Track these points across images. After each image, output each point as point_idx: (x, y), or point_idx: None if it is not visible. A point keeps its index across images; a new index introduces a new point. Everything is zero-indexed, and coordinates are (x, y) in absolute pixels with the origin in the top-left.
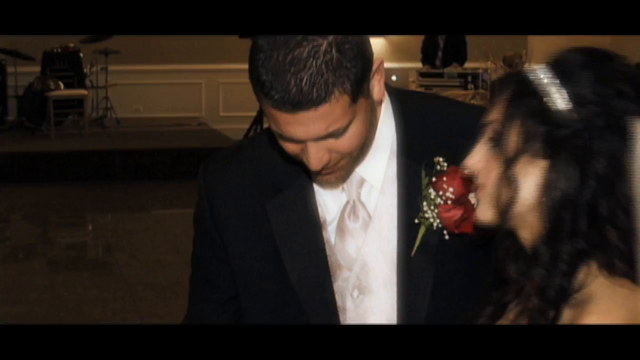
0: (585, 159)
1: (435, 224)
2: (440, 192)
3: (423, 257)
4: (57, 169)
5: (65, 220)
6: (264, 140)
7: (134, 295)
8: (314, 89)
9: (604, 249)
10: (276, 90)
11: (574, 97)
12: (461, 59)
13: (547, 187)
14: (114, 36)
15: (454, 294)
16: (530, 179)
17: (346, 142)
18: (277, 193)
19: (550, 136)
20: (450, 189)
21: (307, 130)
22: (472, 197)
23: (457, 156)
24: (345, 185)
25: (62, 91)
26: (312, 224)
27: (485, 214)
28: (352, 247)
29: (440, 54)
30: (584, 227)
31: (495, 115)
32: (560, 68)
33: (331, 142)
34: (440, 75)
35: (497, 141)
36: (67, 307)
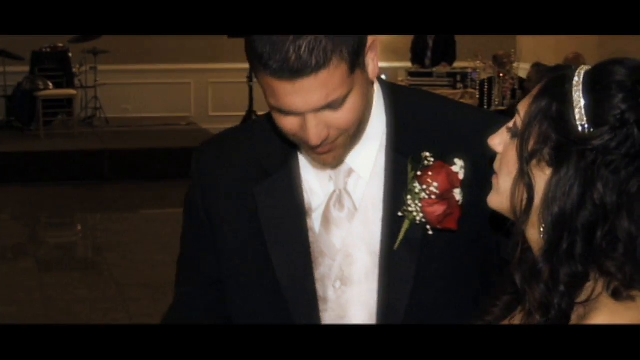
0: (588, 181)
1: (418, 218)
2: (425, 186)
3: (406, 251)
4: (46, 168)
5: (55, 220)
6: (257, 126)
7: (123, 295)
8: (313, 56)
9: (605, 276)
10: (275, 59)
11: (592, 116)
12: (450, 58)
13: (548, 198)
14: (103, 36)
15: (435, 290)
16: (539, 183)
17: (344, 115)
18: (265, 177)
19: (559, 146)
20: (435, 184)
21: (307, 100)
22: (456, 194)
23: (445, 153)
24: (333, 174)
25: (51, 91)
26: (297, 211)
27: (494, 201)
28: (336, 237)
29: (429, 53)
30: (580, 250)
31: (522, 103)
32: (596, 80)
33: (330, 115)
34: (429, 75)
35: (515, 131)
36: (56, 307)
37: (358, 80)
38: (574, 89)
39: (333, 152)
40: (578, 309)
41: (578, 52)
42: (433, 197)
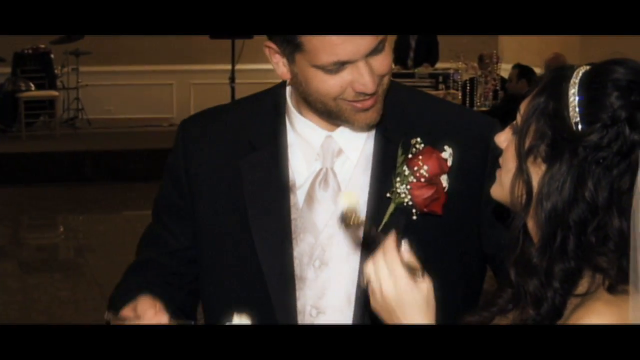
0: (580, 178)
1: (405, 201)
2: (416, 168)
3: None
4: (28, 170)
5: (37, 222)
6: (244, 103)
7: (105, 297)
8: None
9: (598, 272)
10: None
11: (586, 114)
12: (432, 59)
13: (542, 194)
14: (85, 37)
15: None
16: (536, 179)
17: (386, 59)
18: (251, 151)
19: (555, 143)
20: (425, 167)
21: (360, 44)
22: (443, 180)
23: (433, 141)
24: (321, 152)
25: (33, 92)
26: (280, 185)
27: (497, 192)
28: (319, 215)
29: (411, 54)
30: (572, 246)
31: (524, 102)
32: (594, 79)
33: (375, 61)
34: (412, 76)
35: (516, 127)
36: (38, 308)
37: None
38: (571, 87)
39: (376, 105)
40: (572, 300)
41: (558, 53)
42: (422, 180)
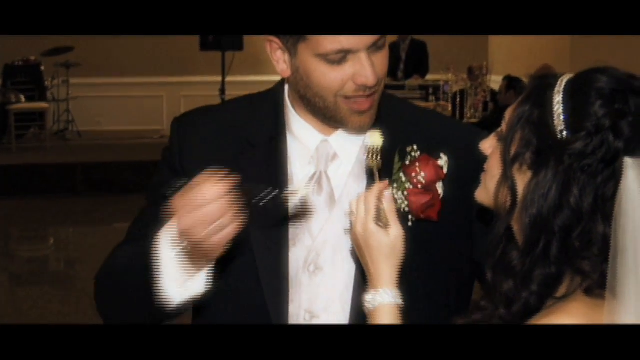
0: (565, 185)
1: (402, 207)
2: (413, 175)
3: None
4: (19, 182)
5: (27, 234)
6: (243, 101)
7: (96, 309)
8: None
9: (579, 275)
10: None
11: (570, 122)
12: (423, 71)
13: (526, 200)
14: (75, 49)
15: (408, 284)
16: (521, 186)
17: (384, 56)
18: (249, 149)
19: (540, 151)
20: (423, 174)
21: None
22: (439, 187)
23: (429, 150)
24: (315, 156)
25: (24, 104)
26: (279, 185)
27: (482, 196)
28: (314, 220)
29: (402, 66)
30: (555, 252)
31: (509, 109)
32: (577, 87)
33: (375, 57)
34: (402, 88)
35: (501, 135)
36: (29, 321)
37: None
38: (555, 95)
39: (371, 111)
40: (550, 301)
41: (547, 64)
42: (419, 186)
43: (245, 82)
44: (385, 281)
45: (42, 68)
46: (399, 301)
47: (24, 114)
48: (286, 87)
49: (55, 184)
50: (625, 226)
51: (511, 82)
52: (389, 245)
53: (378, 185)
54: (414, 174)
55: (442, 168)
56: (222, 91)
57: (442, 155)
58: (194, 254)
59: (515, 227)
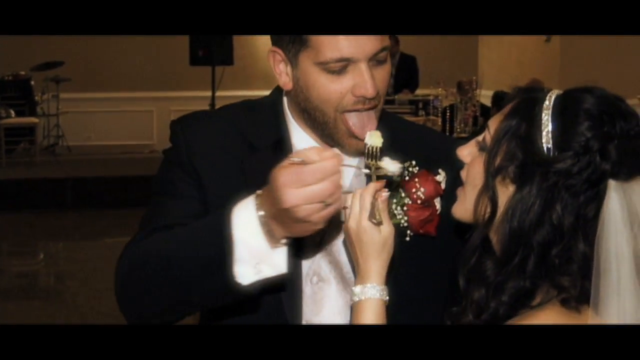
0: (548, 202)
1: (402, 222)
2: (414, 190)
3: None
4: (8, 197)
5: (16, 249)
6: (239, 107)
7: (86, 323)
8: None
9: (558, 289)
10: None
11: (558, 140)
12: (412, 86)
13: (508, 214)
14: (65, 63)
15: (406, 298)
16: (502, 198)
17: (385, 74)
18: (253, 153)
19: (524, 165)
20: (422, 189)
21: (364, 43)
22: (437, 202)
23: (427, 166)
24: None
25: (13, 119)
26: None
27: (459, 210)
28: (314, 235)
29: (391, 81)
30: (532, 266)
31: (494, 119)
32: (566, 106)
33: (376, 71)
34: (392, 102)
35: (484, 146)
36: None
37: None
38: (544, 112)
39: (370, 123)
40: (523, 310)
41: (536, 78)
42: (419, 202)
43: (236, 97)
44: (374, 276)
45: (32, 83)
46: (385, 297)
47: (14, 129)
48: (285, 98)
49: (45, 199)
50: (608, 248)
51: (495, 98)
52: (380, 242)
53: (374, 184)
54: (413, 190)
55: (440, 184)
56: (212, 106)
57: (440, 171)
58: (282, 231)
59: (494, 238)
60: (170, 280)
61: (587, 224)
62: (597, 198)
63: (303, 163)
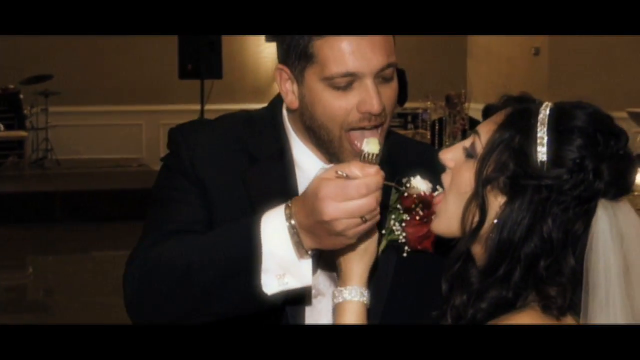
0: (539, 215)
1: (400, 238)
2: (413, 206)
3: (381, 270)
4: None
5: (5, 263)
6: (237, 117)
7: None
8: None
9: (544, 299)
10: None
11: (553, 155)
12: (402, 99)
13: (498, 225)
14: (54, 77)
15: (405, 308)
16: (491, 208)
17: (392, 91)
18: (254, 162)
19: (515, 177)
20: (421, 205)
21: (370, 58)
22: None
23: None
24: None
25: (2, 133)
26: (288, 197)
27: (442, 225)
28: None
29: None
30: (517, 277)
31: (484, 127)
32: (559, 121)
33: (382, 89)
34: None
35: (472, 153)
36: None
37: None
38: (539, 125)
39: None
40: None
41: (524, 92)
42: (417, 218)
43: (224, 110)
44: (355, 279)
45: (21, 96)
46: (366, 300)
47: (3, 143)
48: (284, 111)
49: (34, 213)
50: (597, 264)
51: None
52: (363, 246)
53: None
54: (412, 206)
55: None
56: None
57: (438, 187)
58: (312, 242)
59: (477, 247)
60: (190, 287)
61: (576, 239)
62: (587, 215)
63: (347, 177)
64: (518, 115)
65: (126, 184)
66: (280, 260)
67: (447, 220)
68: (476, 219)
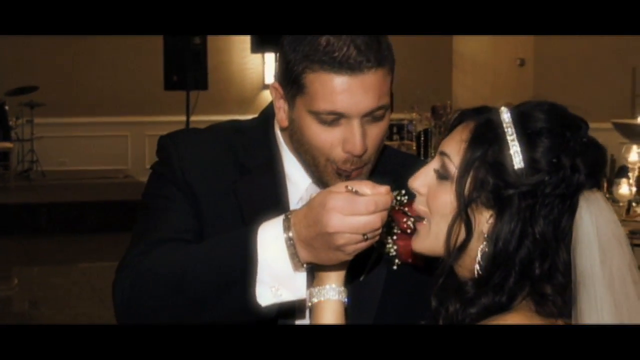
0: (527, 221)
1: (391, 252)
2: (404, 219)
3: (372, 283)
4: None
5: None
6: (227, 127)
7: None
8: (373, 52)
9: (540, 298)
10: (339, 49)
11: (529, 161)
12: None
13: (490, 238)
14: (39, 88)
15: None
16: (478, 224)
17: (381, 130)
18: (244, 172)
19: (498, 190)
20: (412, 218)
21: (360, 100)
22: None
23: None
24: (306, 195)
25: None
26: (279, 208)
27: (426, 245)
28: None
29: None
30: (511, 283)
31: (450, 146)
32: (524, 125)
33: (370, 128)
34: None
35: (444, 174)
36: None
37: (389, 107)
38: (507, 134)
39: (358, 177)
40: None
41: (509, 103)
42: (408, 231)
43: (210, 121)
44: (332, 277)
45: (7, 108)
46: (344, 299)
47: None
48: (276, 122)
49: (19, 224)
50: (582, 255)
51: None
52: None
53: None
54: (404, 219)
55: None
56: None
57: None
58: (308, 256)
59: (466, 260)
60: (182, 297)
61: (565, 234)
62: (571, 209)
63: (356, 193)
64: (483, 128)
65: (112, 196)
66: (275, 272)
67: (431, 241)
68: (462, 237)
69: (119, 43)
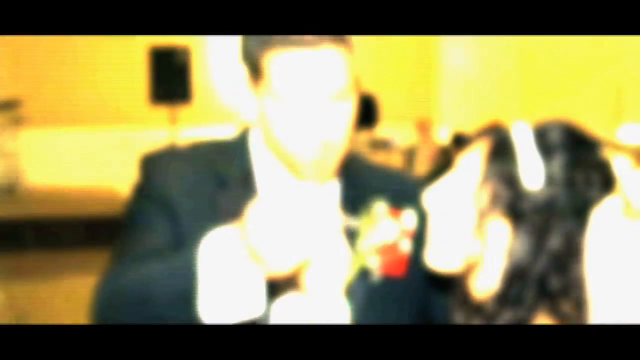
0: (542, 235)
1: (369, 264)
2: (392, 231)
3: (351, 298)
4: None
5: None
6: (208, 144)
7: None
8: (331, 33)
9: (559, 317)
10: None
11: (545, 175)
12: (372, 125)
13: (506, 253)
14: (24, 102)
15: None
16: (495, 238)
17: (347, 115)
18: (223, 187)
19: (514, 204)
20: (402, 229)
21: (324, 79)
22: (405, 243)
23: (395, 207)
24: None
25: None
26: None
27: (439, 259)
28: None
29: None
30: (530, 298)
31: (469, 161)
32: (540, 141)
33: (336, 113)
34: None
35: (461, 189)
36: None
37: (353, 92)
38: (523, 149)
39: (326, 167)
40: None
41: (496, 119)
42: (397, 245)
43: (195, 134)
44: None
45: None
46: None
47: None
48: (252, 132)
49: (4, 239)
50: (596, 268)
51: (457, 140)
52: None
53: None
54: (391, 231)
55: (409, 225)
56: (173, 143)
57: (410, 212)
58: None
59: (482, 275)
60: (148, 317)
61: (580, 248)
62: (585, 223)
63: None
64: (500, 144)
65: (97, 211)
66: (227, 288)
67: (448, 257)
68: (478, 251)
69: (103, 57)
